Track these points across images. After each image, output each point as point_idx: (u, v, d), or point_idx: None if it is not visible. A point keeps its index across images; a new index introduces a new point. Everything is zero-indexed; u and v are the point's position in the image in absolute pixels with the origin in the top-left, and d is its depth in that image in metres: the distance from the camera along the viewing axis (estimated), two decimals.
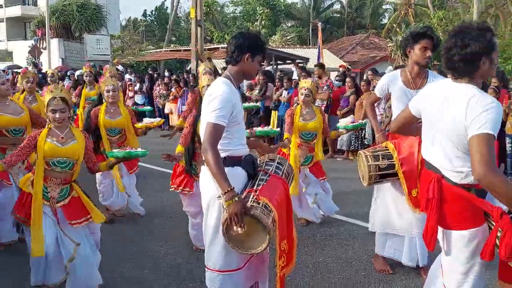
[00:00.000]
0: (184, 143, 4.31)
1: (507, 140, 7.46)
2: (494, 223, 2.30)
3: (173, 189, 4.60)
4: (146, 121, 5.22)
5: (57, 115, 3.35)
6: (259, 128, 4.68)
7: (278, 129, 4.82)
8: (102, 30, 27.41)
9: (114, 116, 5.13)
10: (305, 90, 5.14)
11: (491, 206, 2.31)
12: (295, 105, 5.75)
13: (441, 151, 2.45)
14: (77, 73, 14.57)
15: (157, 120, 5.26)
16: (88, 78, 8.29)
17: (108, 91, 5.12)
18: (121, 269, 4.19)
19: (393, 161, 3.67)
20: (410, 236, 3.88)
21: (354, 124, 5.12)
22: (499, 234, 2.27)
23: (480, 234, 2.40)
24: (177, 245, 4.77)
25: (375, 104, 4.47)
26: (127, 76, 16.11)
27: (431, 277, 2.82)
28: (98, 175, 5.21)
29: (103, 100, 5.23)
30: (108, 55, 25.58)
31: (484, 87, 7.69)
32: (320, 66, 10.83)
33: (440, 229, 2.56)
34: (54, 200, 3.41)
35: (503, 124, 7.49)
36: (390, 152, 3.71)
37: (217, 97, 2.72)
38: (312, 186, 5.26)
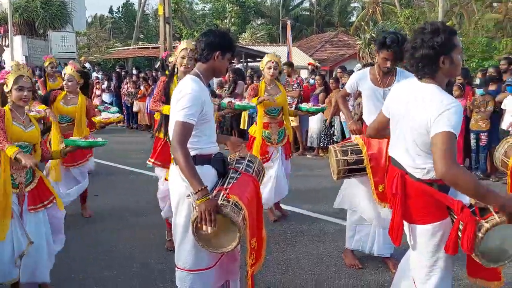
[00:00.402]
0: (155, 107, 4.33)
1: (472, 136, 7.66)
2: (456, 217, 2.35)
3: (151, 164, 4.61)
4: (104, 116, 5.16)
5: (25, 93, 3.31)
6: (238, 102, 4.71)
7: (254, 104, 4.87)
8: (67, 27, 26.70)
9: (69, 103, 5.14)
10: (272, 63, 5.11)
11: (452, 200, 2.36)
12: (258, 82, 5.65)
13: (404, 149, 2.49)
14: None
15: (114, 117, 5.20)
16: (50, 69, 8.07)
17: (66, 80, 5.15)
18: (91, 270, 4.10)
19: (362, 156, 3.73)
20: (376, 227, 3.99)
21: (316, 107, 5.32)
22: (461, 227, 2.32)
23: (443, 228, 2.45)
24: (147, 245, 4.70)
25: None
26: (94, 74, 15.80)
27: (401, 271, 2.87)
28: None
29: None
30: (74, 52, 24.95)
31: (450, 84, 7.88)
32: (289, 64, 10.88)
33: (406, 224, 2.60)
34: (22, 185, 3.36)
35: (468, 120, 7.69)
36: (359, 147, 3.77)
37: (186, 95, 2.69)
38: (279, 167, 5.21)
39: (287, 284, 3.84)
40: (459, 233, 2.33)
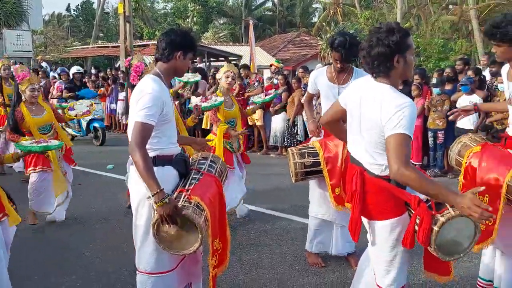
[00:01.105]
0: None
1: (429, 134, 7.87)
2: (413, 211, 2.41)
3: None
4: (80, 108, 5.14)
5: None
6: (203, 103, 4.71)
7: (222, 99, 4.87)
8: (22, 25, 25.83)
9: (39, 112, 5.00)
10: (231, 72, 5.12)
11: (409, 195, 2.41)
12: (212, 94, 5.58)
13: (362, 146, 2.53)
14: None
15: (85, 111, 5.19)
16: (6, 72, 7.73)
17: (33, 90, 4.96)
18: (50, 275, 3.98)
19: (318, 159, 3.79)
20: (335, 227, 4.07)
21: (269, 96, 5.43)
22: (418, 221, 2.37)
23: (401, 223, 2.50)
24: (107, 248, 4.60)
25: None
26: (51, 74, 15.34)
27: (361, 266, 2.92)
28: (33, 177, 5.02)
29: (21, 98, 5.03)
30: (30, 51, 24.11)
31: (408, 84, 8.08)
32: (245, 67, 10.99)
33: (366, 220, 2.64)
34: None
35: (426, 119, 7.91)
36: (316, 150, 3.83)
37: (146, 95, 2.63)
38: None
39: (250, 284, 3.83)
40: (416, 227, 2.38)
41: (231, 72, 5.12)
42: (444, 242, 2.35)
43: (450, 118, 3.52)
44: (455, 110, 3.62)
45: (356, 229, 2.62)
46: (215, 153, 4.97)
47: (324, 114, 3.04)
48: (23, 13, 25.43)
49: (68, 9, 42.80)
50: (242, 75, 10.55)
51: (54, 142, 3.69)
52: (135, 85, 2.96)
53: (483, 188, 2.21)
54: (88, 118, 10.58)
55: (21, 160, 5.16)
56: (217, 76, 5.29)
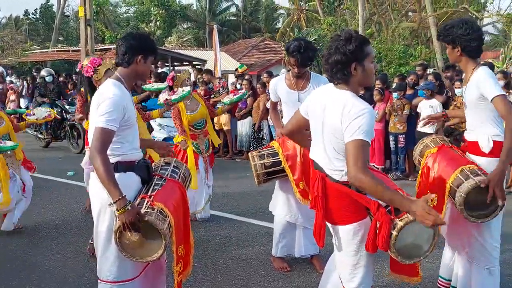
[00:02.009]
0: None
1: (391, 138, 8.04)
2: (373, 216, 2.45)
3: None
4: (39, 114, 5.03)
5: None
6: (173, 96, 4.70)
7: (189, 88, 4.88)
8: None
9: None
10: (187, 80, 5.25)
11: (369, 200, 2.45)
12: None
13: (324, 152, 2.56)
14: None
15: (46, 115, 5.07)
16: None
17: None
18: (5, 285, 3.84)
19: (278, 158, 3.86)
20: (298, 229, 4.10)
21: (237, 96, 5.51)
22: (378, 225, 2.41)
23: (363, 227, 2.53)
24: (66, 257, 4.48)
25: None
26: (8, 78, 14.86)
27: (327, 271, 2.93)
28: None
29: None
30: None
31: (369, 89, 8.24)
32: (207, 71, 10.96)
33: (330, 225, 2.66)
34: None
35: (387, 123, 8.08)
36: (275, 150, 3.90)
37: (107, 100, 2.57)
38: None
39: None
40: (377, 231, 2.42)
41: (187, 80, 5.27)
42: (404, 245, 2.39)
43: (420, 126, 3.63)
44: (426, 116, 3.76)
45: (321, 234, 2.64)
46: (184, 156, 5.02)
47: (287, 124, 3.08)
48: None
49: (26, 12, 41.44)
50: (204, 79, 10.50)
51: (9, 143, 3.55)
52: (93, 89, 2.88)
53: (434, 195, 2.26)
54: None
55: None
56: (174, 88, 5.25)
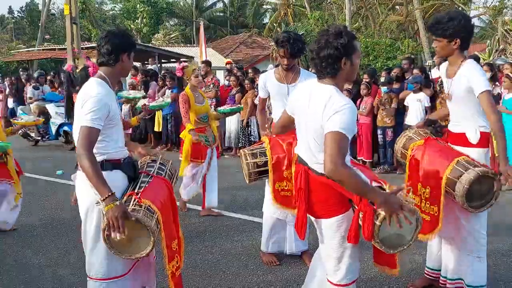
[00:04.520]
0: None
1: (379, 131, 8.10)
2: (356, 207, 2.49)
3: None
4: (27, 118, 4.99)
5: None
6: (152, 102, 4.75)
7: (169, 100, 4.97)
8: None
9: None
10: (198, 70, 5.36)
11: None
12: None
13: (307, 145, 2.59)
14: None
15: (35, 119, 5.07)
16: None
17: None
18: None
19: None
20: (289, 226, 4.11)
21: (231, 107, 5.75)
22: (361, 216, 2.45)
23: (346, 220, 2.56)
24: (57, 255, 4.48)
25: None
26: None
27: (314, 263, 2.98)
28: None
29: None
30: None
31: (357, 83, 8.29)
32: (207, 63, 10.82)
33: (312, 219, 2.70)
34: None
35: (375, 117, 8.13)
36: (265, 148, 3.86)
37: (91, 99, 2.58)
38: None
39: (205, 284, 3.82)
40: (360, 222, 2.45)
41: (198, 70, 5.35)
42: (387, 235, 2.43)
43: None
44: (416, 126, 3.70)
45: (302, 227, 2.66)
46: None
47: (275, 126, 3.10)
48: None
49: (10, 11, 40.98)
50: (202, 70, 10.45)
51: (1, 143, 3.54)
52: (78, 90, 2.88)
53: (409, 188, 2.32)
54: (59, 122, 10.37)
55: None
56: (185, 77, 5.43)
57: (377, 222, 2.38)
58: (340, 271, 2.62)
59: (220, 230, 5.11)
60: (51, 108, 10.84)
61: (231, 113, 5.75)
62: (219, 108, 5.81)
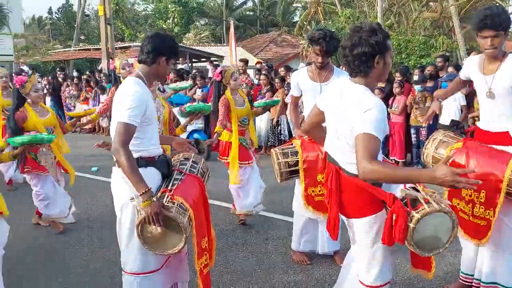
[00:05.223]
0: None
1: (412, 131, 7.95)
2: (389, 209, 2.42)
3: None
4: (79, 108, 5.15)
5: None
6: (189, 105, 4.74)
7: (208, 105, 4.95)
8: (3, 29, 25.51)
9: (42, 114, 4.95)
10: (236, 73, 5.30)
11: (384, 193, 2.43)
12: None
13: (338, 145, 2.56)
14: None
15: (91, 109, 5.24)
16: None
17: (37, 90, 4.96)
18: (42, 279, 3.96)
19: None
20: (320, 226, 4.07)
21: (266, 101, 5.61)
22: (394, 218, 2.39)
23: (378, 220, 2.51)
24: (91, 250, 4.60)
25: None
26: None
27: (346, 264, 2.94)
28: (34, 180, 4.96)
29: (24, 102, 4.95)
30: (11, 55, 23.90)
31: (390, 82, 8.17)
32: (245, 61, 10.90)
33: (344, 219, 2.67)
34: None
35: (408, 116, 7.99)
36: (297, 149, 3.87)
37: (129, 96, 2.64)
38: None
39: (235, 283, 3.84)
40: (393, 224, 2.40)
41: (236, 72, 5.30)
42: (422, 238, 2.37)
43: (423, 120, 3.56)
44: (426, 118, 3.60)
45: (335, 227, 2.63)
46: (230, 149, 5.10)
47: (305, 123, 3.06)
48: (4, 17, 25.10)
49: (50, 12, 42.17)
50: (240, 68, 10.53)
51: (45, 135, 3.65)
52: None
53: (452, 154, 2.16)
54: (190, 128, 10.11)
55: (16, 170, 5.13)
56: (224, 81, 5.29)
57: (411, 224, 2.32)
58: (372, 272, 2.59)
59: (251, 228, 5.13)
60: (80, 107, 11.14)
61: (267, 106, 5.61)
62: (254, 103, 5.70)
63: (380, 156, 2.50)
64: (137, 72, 2.83)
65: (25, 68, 16.94)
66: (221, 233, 4.84)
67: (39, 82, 14.44)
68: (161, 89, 7.04)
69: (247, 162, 5.16)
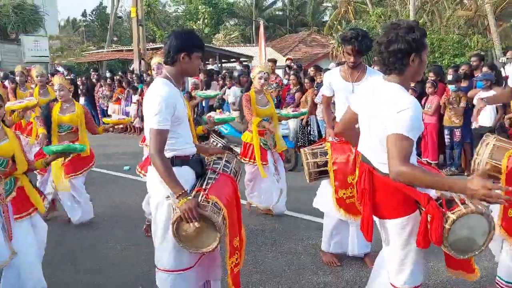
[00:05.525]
0: None
1: (445, 131, 7.78)
2: (423, 209, 2.38)
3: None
4: (115, 117, 5.35)
5: None
6: (218, 115, 4.79)
7: (234, 116, 4.97)
8: (39, 30, 26.28)
9: (66, 112, 5.16)
10: (264, 73, 5.27)
11: (418, 193, 2.37)
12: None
13: (371, 145, 2.53)
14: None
15: (126, 118, 5.56)
16: (19, 78, 7.90)
17: (55, 91, 5.19)
18: (75, 276, 4.06)
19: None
20: (351, 227, 4.04)
21: (294, 113, 5.69)
22: (429, 219, 2.34)
23: (412, 222, 2.46)
24: (123, 246, 4.69)
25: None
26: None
27: (377, 265, 2.91)
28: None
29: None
30: (47, 56, 24.62)
31: (422, 81, 8.01)
32: (274, 61, 10.92)
33: (377, 219, 2.63)
34: (2, 196, 3.27)
35: (442, 116, 7.82)
36: (327, 150, 3.84)
37: (156, 100, 2.67)
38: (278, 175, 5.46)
39: (264, 283, 3.85)
40: (428, 225, 2.35)
41: (265, 73, 5.28)
42: (457, 239, 2.32)
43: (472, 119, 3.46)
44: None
45: (369, 228, 2.60)
46: (252, 151, 5.20)
47: (338, 123, 3.04)
48: (40, 19, 25.85)
49: (84, 14, 43.20)
50: (269, 67, 10.53)
51: (78, 146, 3.77)
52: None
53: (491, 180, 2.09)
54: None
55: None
56: (251, 75, 5.42)
57: (447, 226, 2.28)
58: (403, 274, 2.54)
59: (279, 228, 5.13)
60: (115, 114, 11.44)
61: (293, 117, 5.71)
62: (281, 112, 5.75)
63: (414, 158, 2.46)
64: (164, 73, 2.86)
65: (60, 69, 17.41)
66: (251, 233, 4.85)
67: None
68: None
69: (263, 162, 5.25)
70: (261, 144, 5.27)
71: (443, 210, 2.32)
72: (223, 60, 21.66)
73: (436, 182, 2.20)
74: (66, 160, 5.05)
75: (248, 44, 29.12)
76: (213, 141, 4.78)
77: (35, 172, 4.97)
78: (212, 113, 5.13)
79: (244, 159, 5.32)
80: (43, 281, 3.37)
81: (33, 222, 3.41)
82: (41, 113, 5.36)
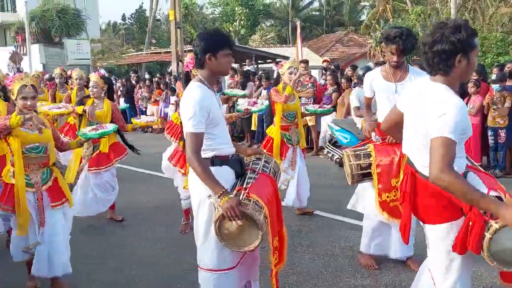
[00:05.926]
0: None
1: (489, 133, 7.53)
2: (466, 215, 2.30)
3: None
4: (144, 119, 5.67)
5: (28, 102, 3.46)
6: (254, 107, 4.95)
7: (267, 103, 5.18)
8: (82, 34, 27.12)
9: (95, 109, 5.33)
10: (294, 69, 5.28)
11: None
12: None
13: (415, 147, 2.47)
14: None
15: (155, 120, 5.74)
16: (59, 80, 8.18)
17: (91, 87, 5.41)
18: (108, 272, 4.15)
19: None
20: (393, 230, 3.95)
21: (322, 109, 5.71)
22: (470, 226, 2.27)
23: (455, 228, 2.38)
24: (161, 246, 4.75)
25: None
26: None
27: (421, 270, 2.81)
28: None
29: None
30: (89, 59, 25.38)
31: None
32: (306, 62, 10.88)
33: (421, 223, 2.57)
34: (39, 184, 3.55)
35: (485, 117, 7.58)
36: (370, 152, 3.76)
37: (190, 104, 2.72)
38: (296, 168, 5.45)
39: (301, 284, 3.84)
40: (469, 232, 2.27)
41: (294, 68, 5.29)
42: (501, 250, 2.22)
43: None
44: None
45: (406, 231, 2.55)
46: (272, 143, 5.24)
47: (384, 120, 2.99)
48: (82, 23, 26.66)
49: (123, 17, 44.35)
50: (302, 67, 10.50)
51: (110, 127, 4.19)
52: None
53: None
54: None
55: None
56: (281, 71, 5.45)
57: (488, 234, 2.19)
58: (448, 281, 2.46)
59: (315, 229, 5.10)
60: (145, 116, 11.69)
61: (319, 114, 5.67)
62: (307, 107, 5.76)
63: (464, 161, 2.40)
64: (198, 76, 2.89)
65: (102, 71, 17.90)
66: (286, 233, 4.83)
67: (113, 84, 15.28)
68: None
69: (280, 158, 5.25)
70: (285, 139, 5.29)
71: (486, 218, 2.24)
72: (259, 61, 21.72)
73: (475, 199, 2.13)
74: (94, 154, 5.27)
75: (284, 45, 29.09)
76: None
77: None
78: (242, 102, 5.20)
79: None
80: (69, 266, 3.63)
81: (64, 211, 3.71)
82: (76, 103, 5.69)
